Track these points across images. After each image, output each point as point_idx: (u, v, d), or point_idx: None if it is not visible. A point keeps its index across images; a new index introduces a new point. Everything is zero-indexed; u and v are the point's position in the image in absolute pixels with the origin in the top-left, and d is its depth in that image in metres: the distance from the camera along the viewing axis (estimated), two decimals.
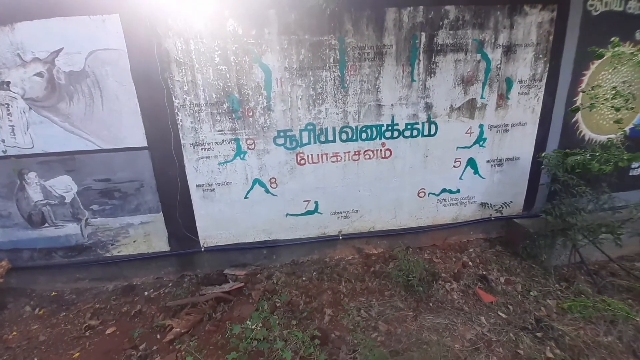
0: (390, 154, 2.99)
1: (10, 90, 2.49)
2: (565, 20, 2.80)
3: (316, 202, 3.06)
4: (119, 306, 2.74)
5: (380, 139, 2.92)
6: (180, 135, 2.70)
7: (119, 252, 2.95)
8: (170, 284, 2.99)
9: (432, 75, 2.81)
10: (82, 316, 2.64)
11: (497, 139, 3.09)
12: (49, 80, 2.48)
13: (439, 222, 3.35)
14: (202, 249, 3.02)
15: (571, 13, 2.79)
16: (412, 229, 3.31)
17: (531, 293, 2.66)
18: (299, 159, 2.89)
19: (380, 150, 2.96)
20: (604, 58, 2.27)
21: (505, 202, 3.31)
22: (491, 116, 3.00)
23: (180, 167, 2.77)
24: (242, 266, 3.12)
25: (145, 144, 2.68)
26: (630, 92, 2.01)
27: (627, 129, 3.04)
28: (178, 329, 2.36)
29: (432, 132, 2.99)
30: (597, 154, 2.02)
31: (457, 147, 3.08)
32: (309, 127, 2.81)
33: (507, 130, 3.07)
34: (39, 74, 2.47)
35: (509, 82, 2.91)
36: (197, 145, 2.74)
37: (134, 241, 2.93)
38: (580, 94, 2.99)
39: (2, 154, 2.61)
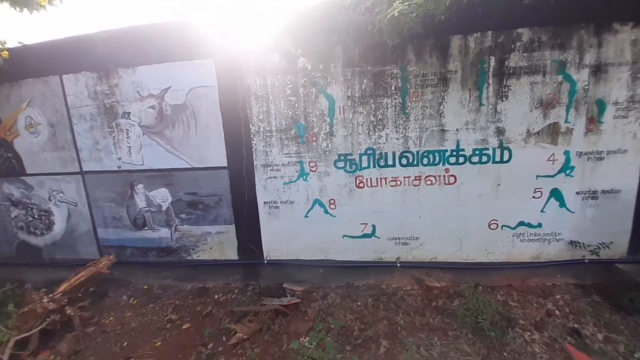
0: (455, 181, 2.84)
1: (130, 119, 3.20)
2: None
3: (373, 226, 3.06)
4: (194, 305, 3.11)
5: (443, 164, 2.82)
6: (254, 157, 3.06)
7: (197, 257, 3.39)
8: (236, 291, 3.27)
9: (504, 98, 2.65)
10: (165, 310, 3.07)
11: (589, 167, 2.68)
12: (159, 111, 3.12)
13: (516, 259, 2.98)
14: (265, 261, 3.26)
15: None
16: (481, 264, 3.01)
17: (635, 355, 2.13)
18: (357, 182, 2.97)
19: (444, 176, 2.84)
20: None
21: (604, 243, 2.78)
22: (579, 142, 2.64)
23: (251, 185, 3.12)
24: (299, 282, 3.25)
25: (225, 164, 3.11)
26: None
27: None
28: (241, 335, 2.56)
29: (504, 159, 2.77)
30: None
31: (537, 176, 2.77)
32: (368, 152, 2.89)
33: (601, 158, 2.65)
34: (152, 107, 3.14)
35: (600, 105, 2.55)
36: (267, 167, 3.06)
37: (210, 248, 3.34)
38: None
39: (117, 169, 3.33)
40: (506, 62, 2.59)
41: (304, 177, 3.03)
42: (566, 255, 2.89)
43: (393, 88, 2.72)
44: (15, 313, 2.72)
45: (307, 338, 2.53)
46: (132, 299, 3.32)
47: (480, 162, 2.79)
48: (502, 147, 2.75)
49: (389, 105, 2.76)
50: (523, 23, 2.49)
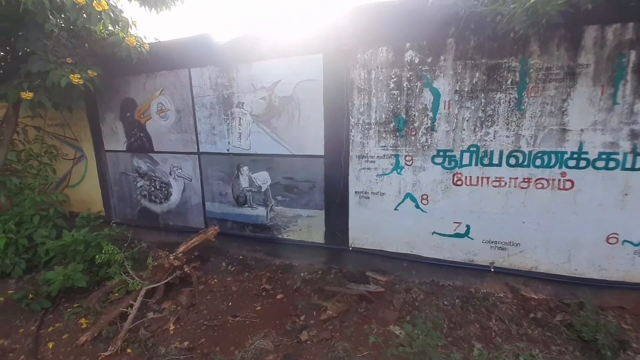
0: (572, 186, 2.60)
1: (243, 109, 3.59)
2: None
3: (468, 226, 2.97)
4: (284, 279, 3.40)
5: (560, 167, 2.60)
6: (350, 148, 3.19)
7: (287, 236, 3.69)
8: (319, 272, 3.48)
9: None
10: (260, 280, 3.42)
11: None
12: (269, 102, 3.44)
13: (634, 279, 2.62)
14: (350, 248, 3.40)
15: None
16: (591, 281, 2.72)
17: None
18: (455, 179, 2.91)
19: (559, 180, 2.62)
20: None
21: None
22: None
23: (344, 174, 3.27)
24: (382, 272, 3.32)
25: (322, 153, 3.31)
26: None
27: None
28: (331, 312, 2.74)
29: (637, 166, 2.44)
30: None
31: None
32: (471, 149, 2.80)
33: None
34: (263, 98, 3.47)
35: None
36: (362, 158, 3.17)
37: (300, 229, 3.61)
38: None
39: (226, 152, 3.77)
40: None
41: (398, 170, 3.07)
42: None
43: (509, 82, 2.59)
44: (150, 266, 3.30)
45: (396, 327, 2.60)
46: (230, 266, 3.76)
47: (606, 167, 2.50)
48: (635, 153, 2.43)
49: (501, 101, 2.64)
50: None
